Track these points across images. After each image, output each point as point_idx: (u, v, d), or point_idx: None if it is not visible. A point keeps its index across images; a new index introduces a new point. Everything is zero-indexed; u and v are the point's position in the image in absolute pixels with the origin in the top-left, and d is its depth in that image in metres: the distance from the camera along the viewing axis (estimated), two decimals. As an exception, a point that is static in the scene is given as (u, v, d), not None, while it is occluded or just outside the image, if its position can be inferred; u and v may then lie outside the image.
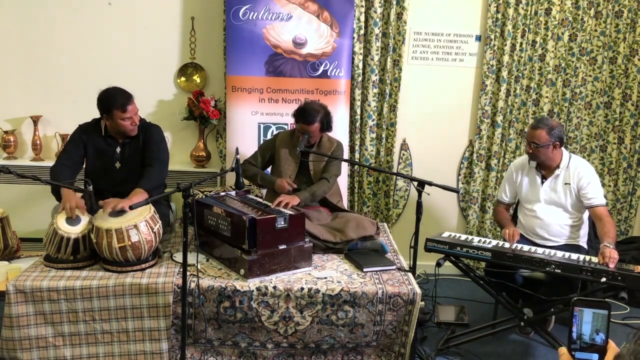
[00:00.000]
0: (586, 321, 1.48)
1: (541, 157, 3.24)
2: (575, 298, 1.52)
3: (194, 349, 2.75)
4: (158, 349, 2.67)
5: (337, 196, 3.58)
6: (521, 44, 4.12)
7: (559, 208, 3.30)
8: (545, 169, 3.33)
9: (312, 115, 3.27)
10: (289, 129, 3.81)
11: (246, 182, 3.52)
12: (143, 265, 2.77)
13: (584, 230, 3.36)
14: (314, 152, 3.32)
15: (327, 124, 3.36)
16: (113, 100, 3.05)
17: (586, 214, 3.32)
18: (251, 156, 3.54)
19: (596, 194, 3.21)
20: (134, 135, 3.20)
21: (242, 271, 2.72)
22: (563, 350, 1.51)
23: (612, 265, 2.79)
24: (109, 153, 3.20)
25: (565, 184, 3.27)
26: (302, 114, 3.29)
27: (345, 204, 3.79)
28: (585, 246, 3.34)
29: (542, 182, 3.33)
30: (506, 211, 3.52)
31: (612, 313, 1.49)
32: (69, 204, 2.80)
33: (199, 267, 2.77)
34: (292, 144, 3.41)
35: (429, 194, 2.93)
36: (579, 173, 3.24)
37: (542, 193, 3.32)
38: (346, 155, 3.73)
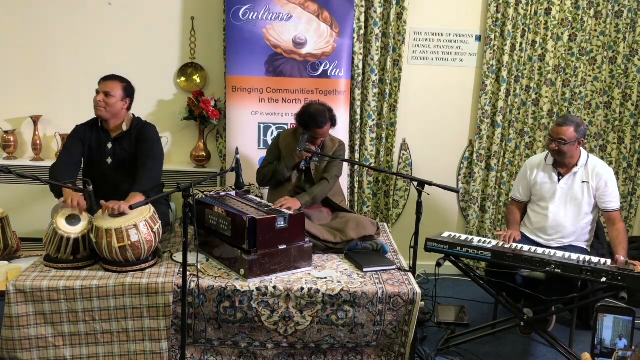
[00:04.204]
0: (607, 326, 1.48)
1: (566, 154, 3.23)
2: (599, 304, 1.51)
3: (194, 349, 2.75)
4: (158, 349, 2.67)
5: (340, 196, 3.57)
6: (521, 44, 4.12)
7: (574, 206, 3.29)
8: (562, 167, 3.32)
9: (322, 118, 3.24)
10: (290, 127, 3.81)
11: (246, 182, 3.52)
12: (143, 265, 2.77)
13: (591, 234, 3.37)
14: (313, 153, 3.31)
15: (334, 121, 3.36)
16: None
17: (594, 217, 3.34)
18: (264, 162, 3.51)
19: (614, 198, 3.25)
20: (127, 132, 3.21)
21: (242, 271, 2.72)
22: (586, 355, 1.51)
23: None
24: (101, 148, 3.21)
25: (583, 182, 3.27)
26: (311, 120, 3.23)
27: (346, 203, 3.78)
28: (588, 249, 3.33)
29: (559, 180, 3.32)
30: (518, 212, 3.50)
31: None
32: (72, 200, 2.80)
33: (199, 267, 2.77)
34: (293, 144, 3.40)
35: (429, 194, 2.93)
36: (598, 173, 3.25)
37: (559, 190, 3.30)
38: (346, 155, 3.73)
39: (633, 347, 1.48)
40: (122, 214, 2.77)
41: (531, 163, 3.47)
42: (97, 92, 3.14)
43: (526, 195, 3.47)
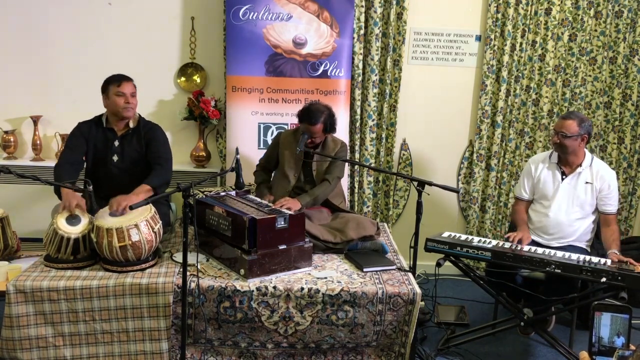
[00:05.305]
0: (604, 324, 1.48)
1: (568, 149, 3.24)
2: (595, 302, 1.51)
3: (194, 349, 2.75)
4: (158, 349, 2.67)
5: (340, 197, 3.57)
6: (521, 44, 4.12)
7: (576, 206, 3.30)
8: (566, 166, 3.33)
9: (315, 116, 3.27)
10: (291, 128, 3.81)
11: (246, 182, 3.52)
12: (143, 265, 2.77)
13: (592, 234, 3.37)
14: (314, 152, 3.32)
15: (330, 126, 3.36)
16: (111, 77, 3.18)
17: (596, 218, 3.35)
18: (262, 160, 3.59)
19: (614, 201, 3.28)
20: (134, 130, 3.22)
21: (242, 271, 2.72)
22: (584, 354, 1.51)
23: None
24: (107, 145, 3.22)
25: (587, 182, 3.28)
26: (306, 114, 3.29)
27: (346, 204, 3.78)
28: (588, 250, 3.33)
29: (563, 179, 3.32)
30: (524, 211, 3.48)
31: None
32: (69, 203, 2.80)
33: (199, 267, 2.77)
34: (294, 144, 3.40)
35: (429, 194, 2.93)
36: (602, 176, 3.27)
37: (562, 189, 3.31)
38: (347, 156, 3.73)
39: (633, 347, 1.48)
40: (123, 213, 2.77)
41: (535, 160, 3.47)
42: (122, 93, 3.11)
43: (532, 193, 3.46)
